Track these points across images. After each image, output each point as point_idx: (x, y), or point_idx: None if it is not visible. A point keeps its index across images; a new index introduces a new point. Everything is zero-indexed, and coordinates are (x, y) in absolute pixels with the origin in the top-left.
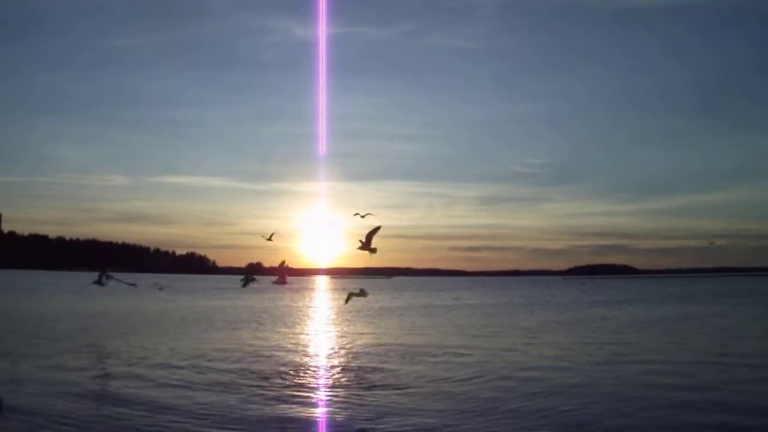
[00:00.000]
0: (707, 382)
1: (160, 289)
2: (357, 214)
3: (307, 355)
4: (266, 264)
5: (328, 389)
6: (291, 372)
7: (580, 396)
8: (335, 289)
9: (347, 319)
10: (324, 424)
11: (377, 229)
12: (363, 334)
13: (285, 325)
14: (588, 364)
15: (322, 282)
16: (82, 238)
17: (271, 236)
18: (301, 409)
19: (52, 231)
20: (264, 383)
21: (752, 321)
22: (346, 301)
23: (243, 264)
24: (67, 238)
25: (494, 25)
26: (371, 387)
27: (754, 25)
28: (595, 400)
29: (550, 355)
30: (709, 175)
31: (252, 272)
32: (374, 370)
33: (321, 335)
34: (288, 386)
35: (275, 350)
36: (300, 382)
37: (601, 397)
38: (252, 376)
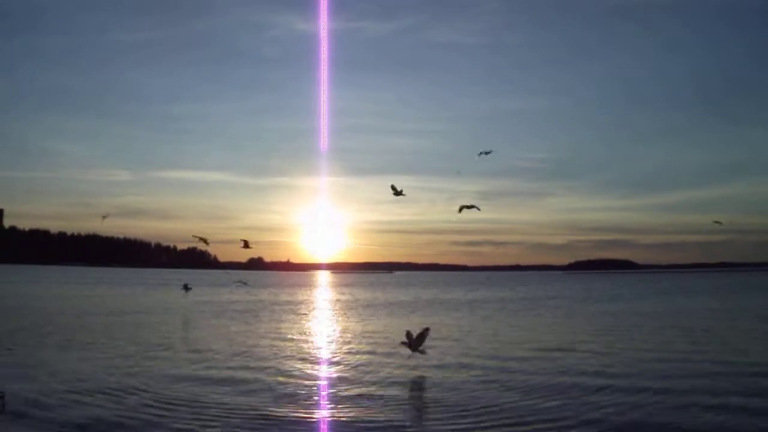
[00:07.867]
0: None
1: None
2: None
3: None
4: (267, 259)
5: None
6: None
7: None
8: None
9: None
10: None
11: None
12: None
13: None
14: None
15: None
16: (83, 233)
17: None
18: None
19: (54, 226)
20: None
21: None
22: None
23: (244, 259)
24: (69, 233)
25: (495, 21)
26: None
27: (753, 21)
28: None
29: None
30: (708, 171)
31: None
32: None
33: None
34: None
35: None
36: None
37: None
38: None
